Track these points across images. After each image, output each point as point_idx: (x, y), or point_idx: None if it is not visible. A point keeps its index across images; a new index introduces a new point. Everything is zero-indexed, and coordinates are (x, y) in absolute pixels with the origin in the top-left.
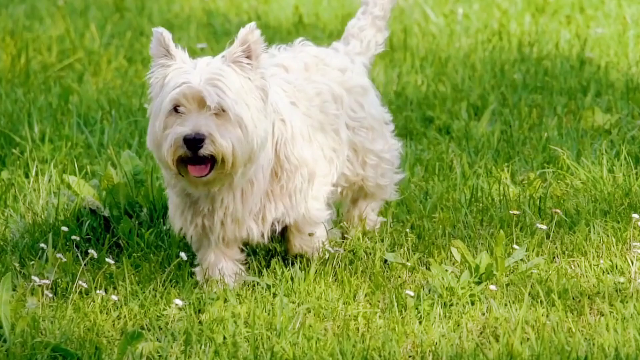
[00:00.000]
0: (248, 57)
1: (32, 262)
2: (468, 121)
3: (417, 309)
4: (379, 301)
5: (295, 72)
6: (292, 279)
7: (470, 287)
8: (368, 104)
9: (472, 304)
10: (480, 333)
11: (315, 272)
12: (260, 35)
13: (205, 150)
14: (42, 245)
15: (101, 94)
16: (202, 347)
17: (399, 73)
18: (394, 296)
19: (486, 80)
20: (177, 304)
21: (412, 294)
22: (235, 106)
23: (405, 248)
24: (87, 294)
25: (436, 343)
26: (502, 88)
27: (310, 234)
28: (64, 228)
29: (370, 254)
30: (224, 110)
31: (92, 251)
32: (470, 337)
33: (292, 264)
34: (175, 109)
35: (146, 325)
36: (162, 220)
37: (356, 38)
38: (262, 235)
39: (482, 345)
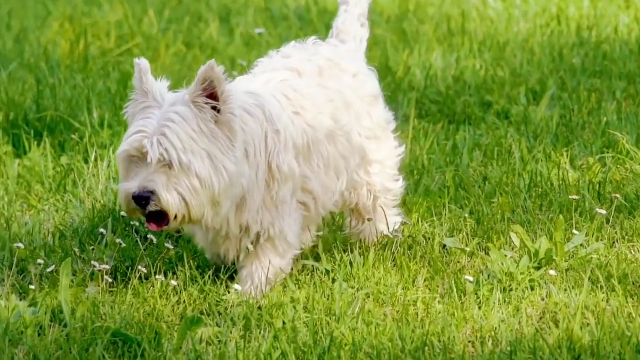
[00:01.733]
0: (211, 94)
1: (92, 247)
2: (527, 106)
3: (476, 294)
4: (438, 286)
5: (308, 77)
6: (351, 264)
7: (529, 272)
8: (376, 114)
9: (532, 289)
10: (540, 318)
11: (374, 257)
12: (221, 72)
13: (152, 206)
14: (101, 230)
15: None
16: (262, 332)
17: (457, 57)
18: (453, 281)
19: (545, 65)
20: (236, 289)
21: (471, 279)
22: (183, 156)
23: (464, 233)
24: (146, 279)
25: (495, 328)
26: (560, 72)
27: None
28: (123, 213)
29: (429, 238)
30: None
31: (151, 236)
32: (530, 322)
33: (351, 249)
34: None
35: (205, 310)
36: None
37: (349, 34)
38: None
39: (542, 331)
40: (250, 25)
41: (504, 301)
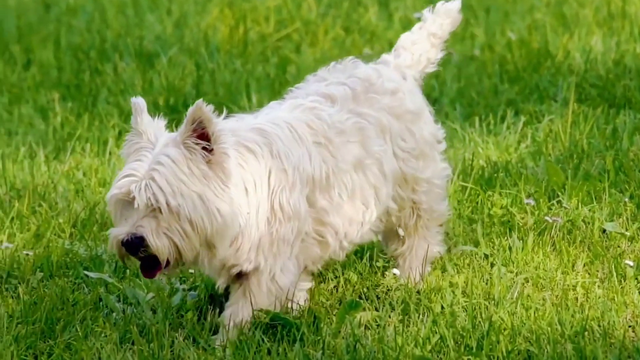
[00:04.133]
0: (202, 135)
1: None
2: None
3: (636, 278)
4: (597, 271)
5: (341, 102)
6: (510, 248)
7: None
8: (419, 130)
9: None
10: None
11: (533, 242)
12: (210, 111)
13: (142, 252)
14: None
15: (319, 64)
16: (420, 316)
17: (618, 41)
18: (613, 266)
19: None
20: (394, 274)
21: (631, 263)
22: (172, 200)
23: (625, 217)
24: None
25: None
26: None
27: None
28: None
29: (589, 223)
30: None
31: None
32: None
33: (510, 233)
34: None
35: (364, 294)
36: None
37: (407, 50)
38: (225, 280)
39: None
40: (409, 10)
41: None
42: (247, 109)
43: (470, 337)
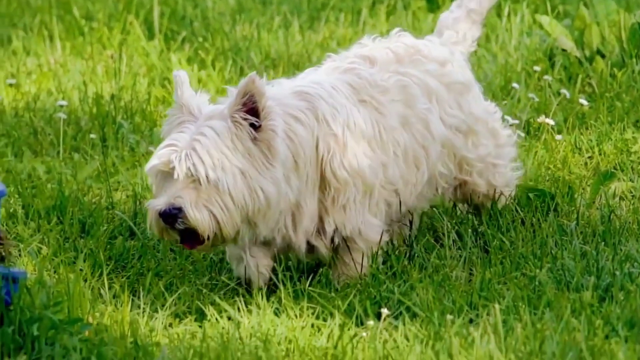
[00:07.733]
0: (251, 110)
1: (505, 101)
2: None
3: None
4: None
5: (381, 64)
6: None
7: None
8: (468, 103)
9: None
10: None
11: None
12: (263, 85)
13: (181, 224)
14: (514, 85)
15: None
16: None
17: None
18: None
19: None
20: None
21: None
22: (211, 172)
23: None
24: (559, 133)
25: None
26: None
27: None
28: (536, 68)
29: None
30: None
31: (564, 91)
32: None
33: None
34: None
35: (619, 164)
36: (635, 60)
37: (450, 29)
38: (325, 247)
39: None
40: None
41: None
42: None
43: None
